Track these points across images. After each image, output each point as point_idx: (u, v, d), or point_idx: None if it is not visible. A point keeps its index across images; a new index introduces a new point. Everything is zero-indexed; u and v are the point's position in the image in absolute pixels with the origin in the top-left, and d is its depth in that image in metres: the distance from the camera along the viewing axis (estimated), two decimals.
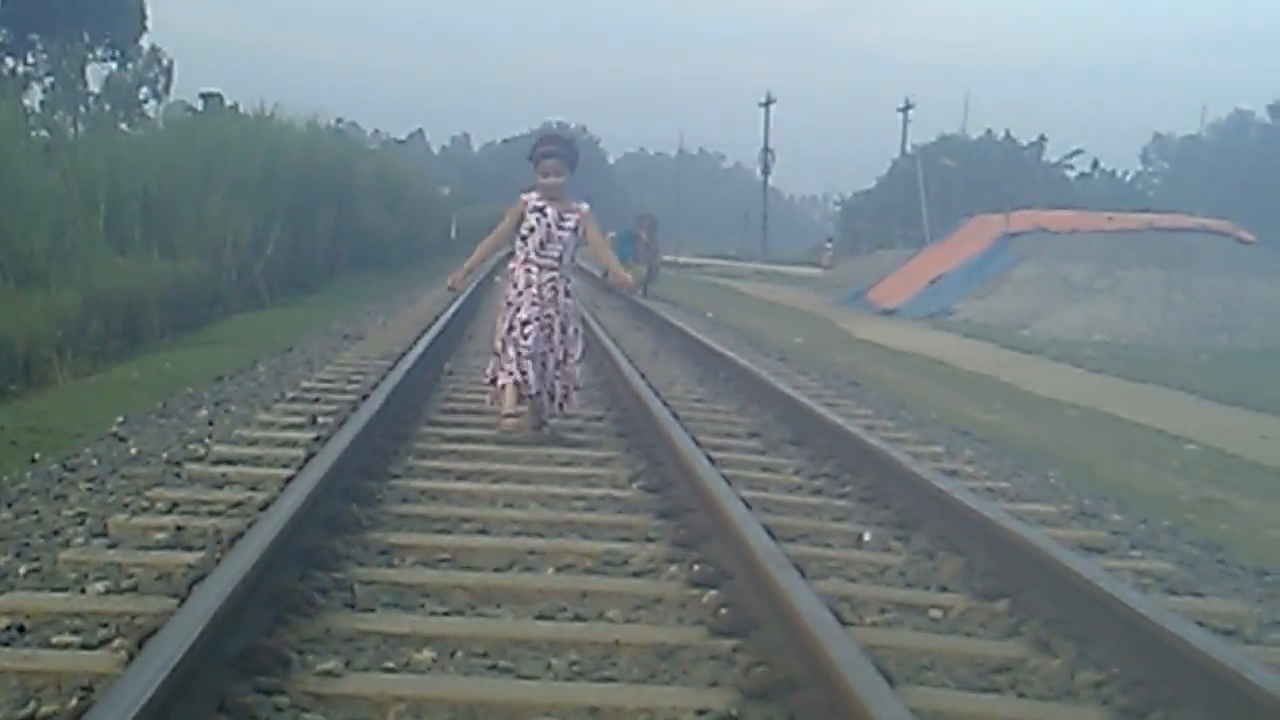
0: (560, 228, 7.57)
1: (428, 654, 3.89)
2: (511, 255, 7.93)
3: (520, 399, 7.43)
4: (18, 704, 3.33)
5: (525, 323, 7.48)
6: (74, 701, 3.21)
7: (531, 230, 7.59)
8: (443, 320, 13.30)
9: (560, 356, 7.63)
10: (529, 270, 7.58)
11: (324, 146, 29.17)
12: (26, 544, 4.91)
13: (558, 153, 7.60)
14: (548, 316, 7.55)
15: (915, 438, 8.64)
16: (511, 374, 7.41)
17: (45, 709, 3.28)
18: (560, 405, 7.69)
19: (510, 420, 7.32)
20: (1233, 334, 22.81)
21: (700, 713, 3.51)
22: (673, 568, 4.93)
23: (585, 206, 7.76)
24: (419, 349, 10.39)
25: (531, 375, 7.38)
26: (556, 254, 7.59)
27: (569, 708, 3.50)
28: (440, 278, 19.47)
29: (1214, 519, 7.04)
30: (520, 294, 7.54)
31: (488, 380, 7.74)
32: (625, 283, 8.66)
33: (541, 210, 7.55)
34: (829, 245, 55.74)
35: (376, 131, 59.90)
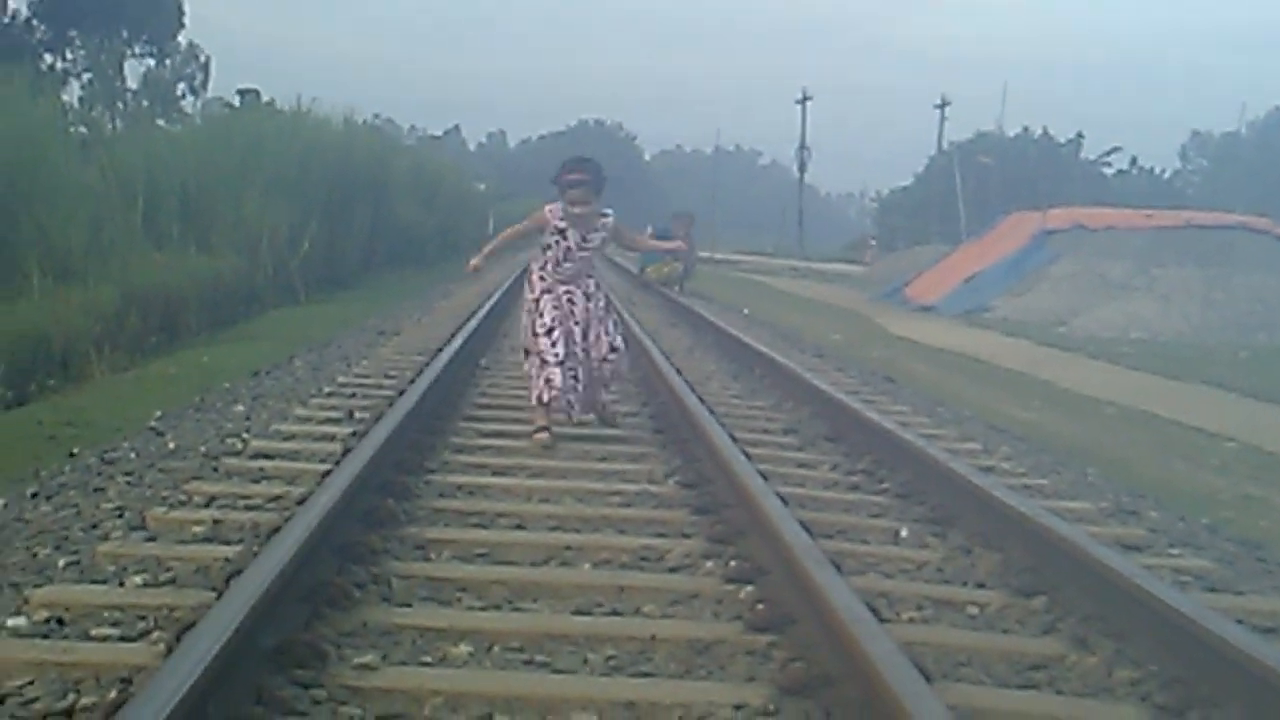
0: (581, 249, 7.53)
1: (464, 648, 3.91)
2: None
3: (551, 413, 7.38)
4: (57, 696, 3.35)
5: (550, 330, 7.45)
6: (113, 694, 3.23)
7: (549, 249, 7.59)
8: (478, 316, 13.36)
9: (590, 354, 7.57)
10: (542, 279, 7.62)
11: (360, 143, 29.19)
12: (66, 537, 4.95)
13: (584, 182, 7.43)
14: (572, 323, 7.55)
15: (952, 434, 8.62)
16: (540, 390, 7.38)
17: (84, 700, 3.29)
18: (602, 394, 7.78)
19: (542, 435, 7.24)
20: (1272, 332, 22.65)
21: (737, 708, 3.52)
22: (709, 563, 4.94)
23: (610, 219, 7.68)
24: (455, 344, 10.44)
25: (558, 382, 7.33)
26: (573, 271, 7.55)
27: (605, 702, 3.51)
28: (476, 277, 19.35)
29: (1253, 516, 7.00)
30: (539, 300, 7.54)
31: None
32: (679, 247, 8.64)
33: (562, 234, 7.48)
34: (873, 242, 55.70)
35: (413, 128, 60.14)
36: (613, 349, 7.64)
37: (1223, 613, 4.18)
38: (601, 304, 7.76)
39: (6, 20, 41.83)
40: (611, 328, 7.74)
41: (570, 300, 7.56)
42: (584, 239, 7.53)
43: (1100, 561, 4.51)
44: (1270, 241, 29.05)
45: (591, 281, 7.72)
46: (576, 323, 7.52)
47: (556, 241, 7.55)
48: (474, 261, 8.09)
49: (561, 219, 7.47)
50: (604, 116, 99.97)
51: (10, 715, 3.26)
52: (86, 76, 40.93)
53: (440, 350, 10.25)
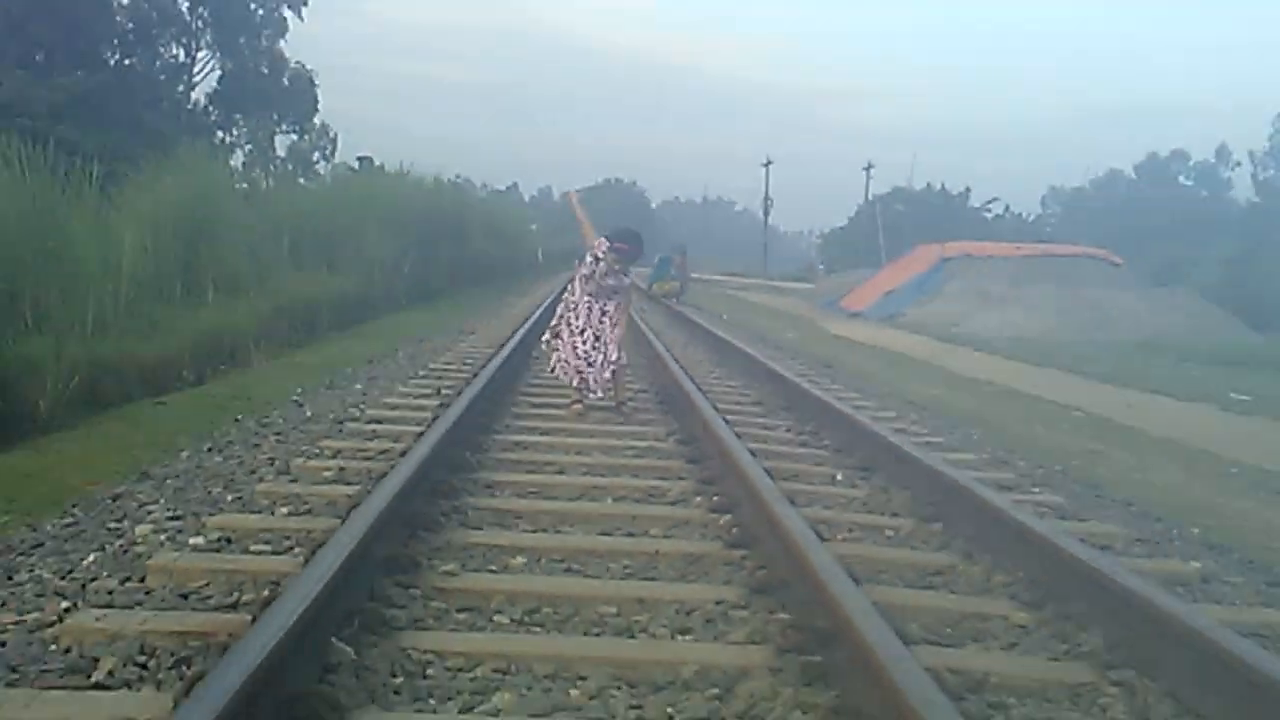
0: (603, 279, 7.48)
1: (520, 560, 4.00)
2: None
3: (582, 392, 7.38)
4: (225, 593, 3.45)
5: (582, 330, 7.42)
6: (265, 592, 3.30)
7: (586, 265, 7.61)
8: (530, 321, 13.32)
9: (603, 355, 7.41)
10: (584, 287, 7.56)
11: (445, 195, 29.43)
12: (232, 479, 5.05)
13: (629, 254, 7.57)
14: (595, 328, 7.47)
15: (873, 405, 8.64)
16: (572, 377, 7.38)
17: (246, 596, 3.39)
18: (610, 379, 7.55)
19: (577, 405, 7.26)
20: (1106, 331, 23.18)
21: (718, 603, 3.60)
22: (698, 498, 5.00)
23: (628, 282, 7.69)
24: (513, 341, 10.46)
25: (588, 372, 7.36)
26: (593, 291, 7.50)
27: (622, 599, 3.58)
28: (529, 293, 19.81)
29: (1094, 465, 7.01)
30: (576, 305, 7.51)
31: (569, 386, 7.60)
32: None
33: (598, 260, 7.46)
34: (821, 267, 57.15)
35: (484, 185, 60.17)
36: (615, 361, 7.45)
37: (1069, 534, 4.24)
38: (614, 321, 7.57)
39: (190, 107, 42.38)
40: (608, 339, 7.50)
41: (589, 310, 7.49)
42: (605, 274, 7.48)
43: (981, 497, 4.57)
44: (1106, 266, 30.68)
45: (612, 304, 7.58)
46: (596, 330, 7.45)
47: (592, 263, 7.55)
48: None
49: (602, 253, 7.48)
50: (622, 175, 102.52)
51: (193, 606, 3.35)
52: (248, 147, 41.21)
53: (503, 344, 10.30)
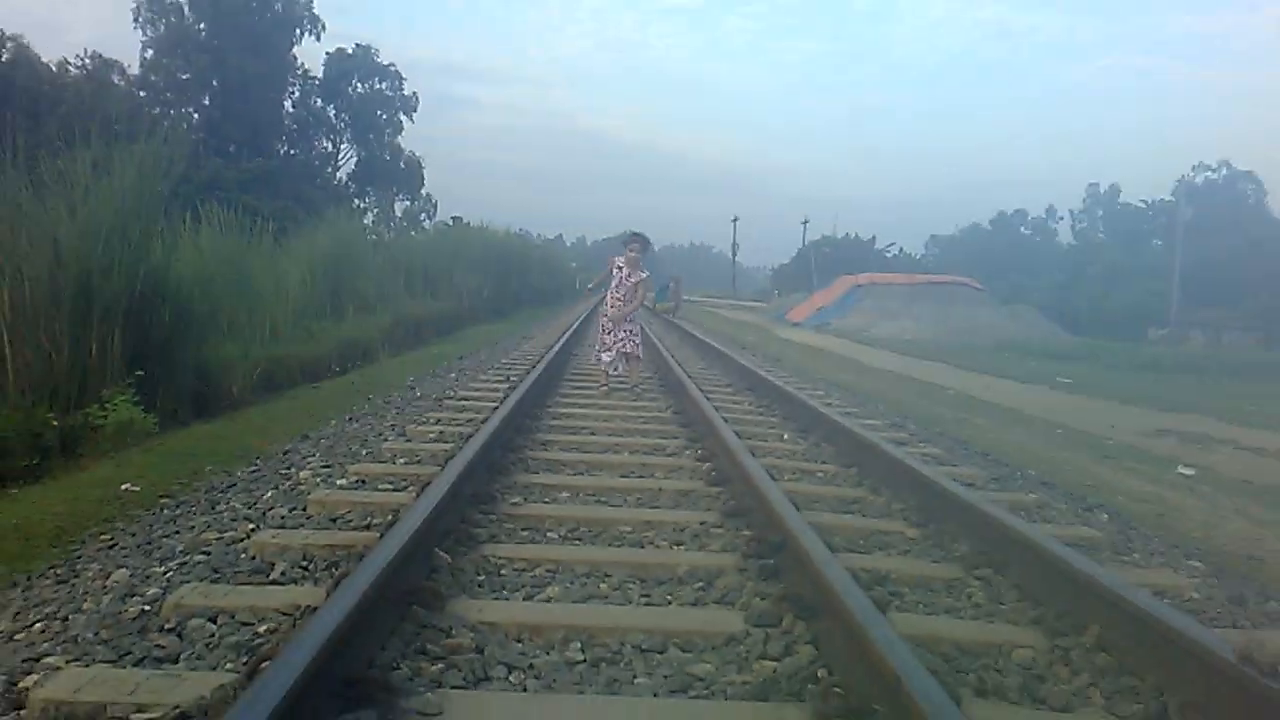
0: (626, 281, 7.23)
1: (565, 495, 3.96)
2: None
3: (609, 374, 7.22)
4: (360, 519, 3.43)
5: (610, 331, 7.22)
6: (389, 517, 3.30)
7: (610, 278, 7.29)
8: (571, 330, 13.27)
9: (627, 346, 7.21)
10: (610, 308, 7.29)
11: (511, 242, 29.49)
12: (365, 440, 5.04)
13: (635, 241, 7.22)
14: (622, 323, 7.23)
15: (809, 388, 8.56)
16: (602, 360, 7.22)
17: (375, 521, 3.37)
18: (631, 366, 7.40)
19: (604, 388, 7.12)
20: (971, 336, 23.44)
21: (702, 523, 3.56)
22: (688, 451, 4.97)
23: (646, 274, 7.39)
24: (560, 344, 10.39)
25: (611, 357, 7.18)
26: (624, 294, 7.24)
27: (637, 521, 3.55)
28: (569, 311, 19.86)
29: (963, 428, 6.98)
30: (608, 312, 7.31)
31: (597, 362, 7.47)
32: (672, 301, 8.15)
33: (619, 268, 7.22)
34: (777, 293, 57.50)
35: (539, 235, 60.37)
36: (633, 350, 7.26)
37: (946, 475, 4.22)
38: (634, 327, 7.34)
39: (335, 183, 42.47)
40: (635, 340, 7.31)
41: (619, 310, 7.22)
42: (628, 275, 7.19)
43: (884, 450, 4.54)
44: (971, 290, 31.25)
45: (632, 324, 7.34)
46: (620, 331, 7.24)
47: (614, 273, 7.23)
48: (590, 287, 7.78)
49: (620, 263, 7.22)
50: (633, 227, 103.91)
51: (339, 527, 3.34)
52: (375, 211, 41.39)
53: (551, 346, 10.24)
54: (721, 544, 3.33)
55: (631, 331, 7.29)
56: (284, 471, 4.31)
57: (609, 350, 7.24)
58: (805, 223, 62.35)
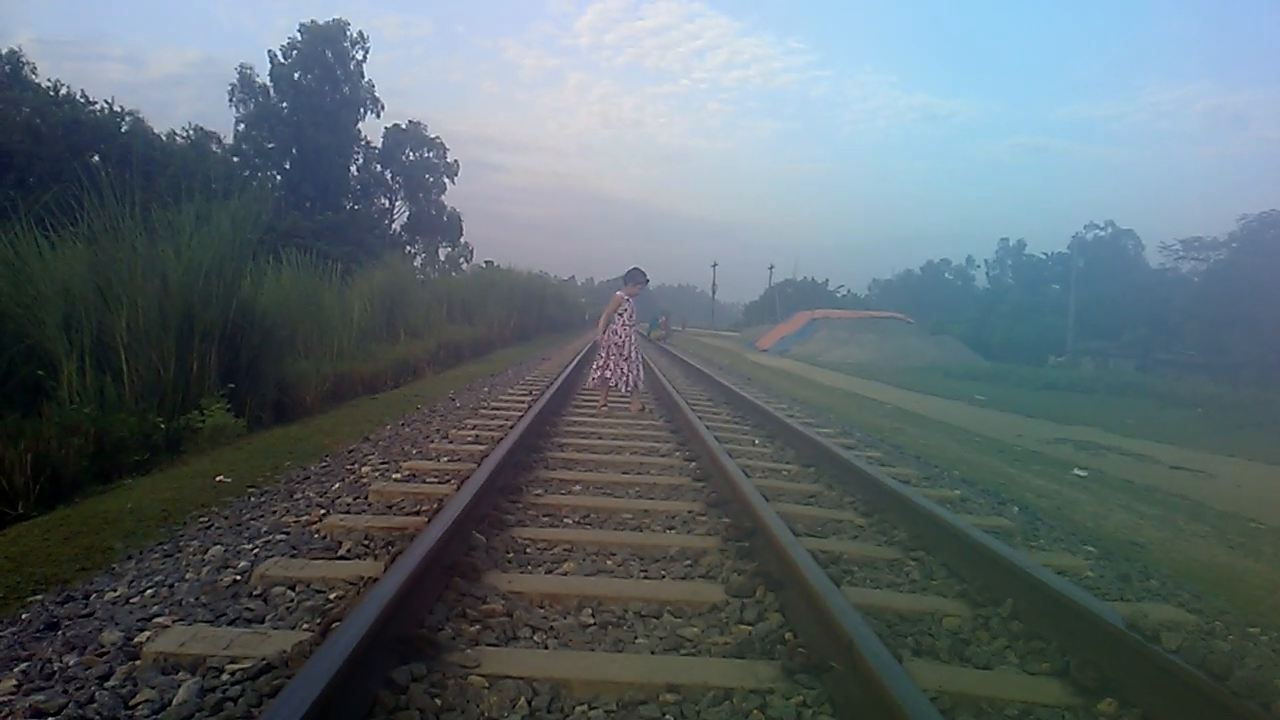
0: (632, 311, 6.99)
1: (577, 488, 3.92)
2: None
3: (608, 393, 6.93)
4: (411, 507, 3.39)
5: (611, 355, 6.75)
6: (435, 505, 3.28)
7: (622, 309, 6.86)
8: (579, 355, 13.11)
9: (631, 369, 6.77)
10: (611, 336, 6.80)
11: (532, 281, 29.39)
12: (415, 441, 4.98)
13: (638, 279, 6.78)
14: (628, 348, 6.79)
15: (776, 401, 8.58)
16: (601, 381, 6.75)
17: (424, 508, 3.33)
18: (633, 390, 7.08)
19: (604, 406, 6.82)
20: (905, 361, 23.60)
21: (689, 512, 3.53)
22: (678, 452, 4.94)
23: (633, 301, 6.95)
24: (571, 365, 10.34)
25: (611, 379, 6.72)
26: (633, 321, 6.97)
27: (635, 510, 3.51)
28: (580, 338, 19.79)
29: (899, 436, 6.96)
30: (608, 344, 6.77)
31: (593, 385, 7.02)
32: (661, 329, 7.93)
33: (628, 301, 6.88)
34: (749, 326, 57.71)
35: (555, 275, 60.58)
36: (635, 381, 6.76)
37: (886, 475, 4.20)
38: (633, 353, 6.83)
39: (391, 233, 42.61)
40: (636, 371, 6.81)
41: (626, 335, 6.84)
42: (631, 304, 6.91)
43: (836, 453, 4.52)
44: (904, 324, 31.36)
45: (632, 344, 7.01)
46: (624, 355, 6.88)
47: (626, 302, 6.74)
48: (601, 323, 7.04)
49: (627, 296, 6.79)
50: (637, 265, 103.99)
51: (394, 513, 3.29)
52: (423, 255, 41.46)
53: (566, 365, 10.23)
54: (706, 529, 3.31)
55: (633, 364, 6.88)
56: (349, 467, 4.28)
57: (609, 369, 6.76)
58: (771, 268, 63.17)
